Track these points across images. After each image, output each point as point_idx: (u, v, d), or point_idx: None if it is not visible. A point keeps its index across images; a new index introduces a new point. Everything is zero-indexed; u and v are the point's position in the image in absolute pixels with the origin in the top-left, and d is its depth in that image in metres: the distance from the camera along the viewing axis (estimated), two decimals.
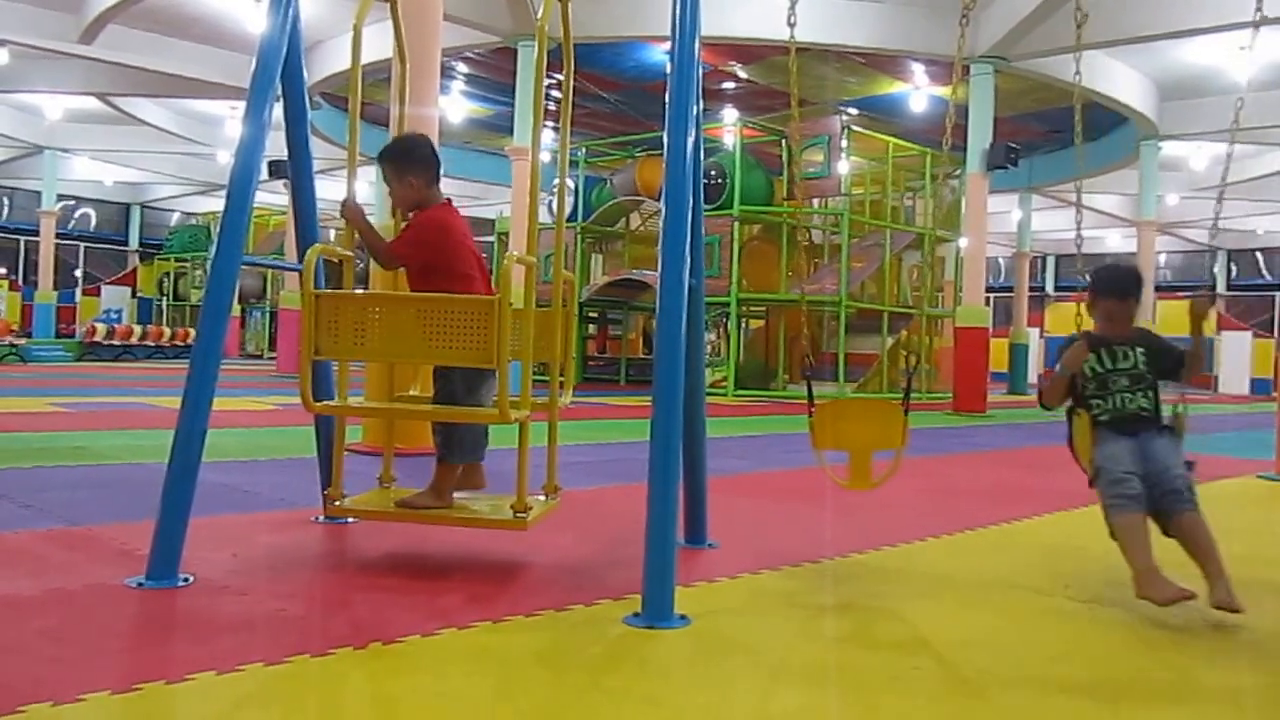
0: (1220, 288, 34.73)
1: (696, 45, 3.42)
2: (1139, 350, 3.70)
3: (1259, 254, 34.40)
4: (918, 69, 19.11)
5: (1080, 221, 4.61)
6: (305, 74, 4.02)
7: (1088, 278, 3.90)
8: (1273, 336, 30.22)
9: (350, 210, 3.72)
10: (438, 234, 3.68)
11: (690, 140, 3.33)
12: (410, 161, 3.73)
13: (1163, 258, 33.15)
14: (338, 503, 3.72)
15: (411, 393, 4.32)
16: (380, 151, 3.80)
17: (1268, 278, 33.55)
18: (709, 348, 21.96)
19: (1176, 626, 3.20)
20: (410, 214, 3.80)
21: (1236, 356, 30.85)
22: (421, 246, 3.67)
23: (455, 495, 3.74)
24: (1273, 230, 31.29)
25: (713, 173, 17.75)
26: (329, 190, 10.72)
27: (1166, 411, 3.72)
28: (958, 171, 18.38)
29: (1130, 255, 23.01)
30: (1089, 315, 3.82)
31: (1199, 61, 17.62)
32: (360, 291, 3.75)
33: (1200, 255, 35.27)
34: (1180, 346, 3.77)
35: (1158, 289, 24.37)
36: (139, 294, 34.80)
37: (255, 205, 3.76)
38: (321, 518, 4.31)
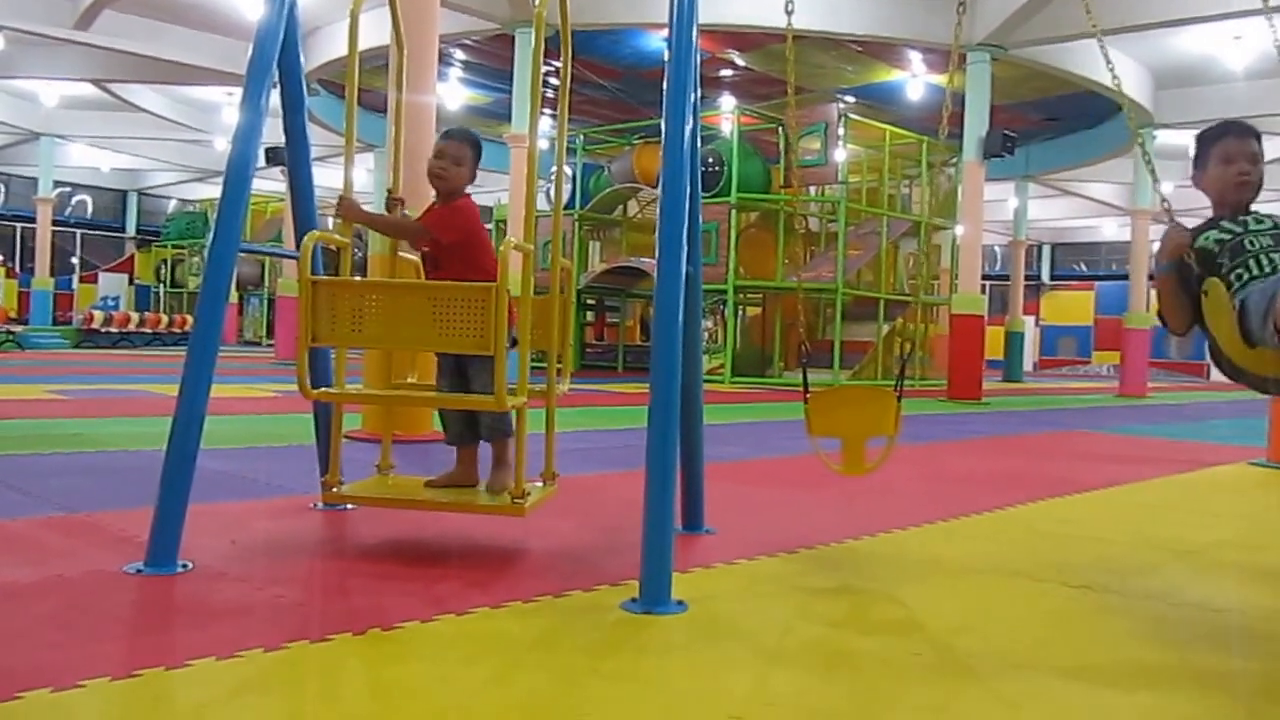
0: None
1: (694, 32, 3.41)
2: (1273, 218, 2.93)
3: None
4: (915, 57, 19.07)
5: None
6: (302, 60, 4.02)
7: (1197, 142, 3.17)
8: None
9: (347, 208, 3.74)
10: (475, 221, 3.83)
11: (688, 128, 3.33)
12: (476, 153, 3.88)
13: (1156, 245, 33.12)
14: (335, 489, 3.73)
15: (409, 381, 4.33)
16: (459, 131, 3.90)
17: None
18: (706, 335, 21.95)
19: (1168, 611, 3.21)
20: (446, 198, 3.85)
21: None
22: (458, 230, 3.76)
23: (444, 487, 3.79)
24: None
25: (710, 160, 17.73)
26: (327, 177, 10.72)
27: None
28: (954, 159, 18.37)
29: (1125, 244, 23.00)
30: (1243, 176, 3.04)
31: (1194, 50, 17.61)
32: (357, 278, 3.75)
33: None
34: None
35: (1152, 277, 24.34)
36: (136, 281, 34.73)
37: (253, 192, 3.76)
38: (320, 504, 4.32)
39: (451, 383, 3.77)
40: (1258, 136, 3.09)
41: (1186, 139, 19.17)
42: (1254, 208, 3.02)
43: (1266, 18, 4.39)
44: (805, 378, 4.09)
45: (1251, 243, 2.83)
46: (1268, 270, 2.75)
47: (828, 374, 16.29)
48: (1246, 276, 2.77)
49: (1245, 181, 3.00)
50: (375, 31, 9.11)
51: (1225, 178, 3.01)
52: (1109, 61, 3.99)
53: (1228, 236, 2.87)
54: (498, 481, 3.77)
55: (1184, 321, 2.99)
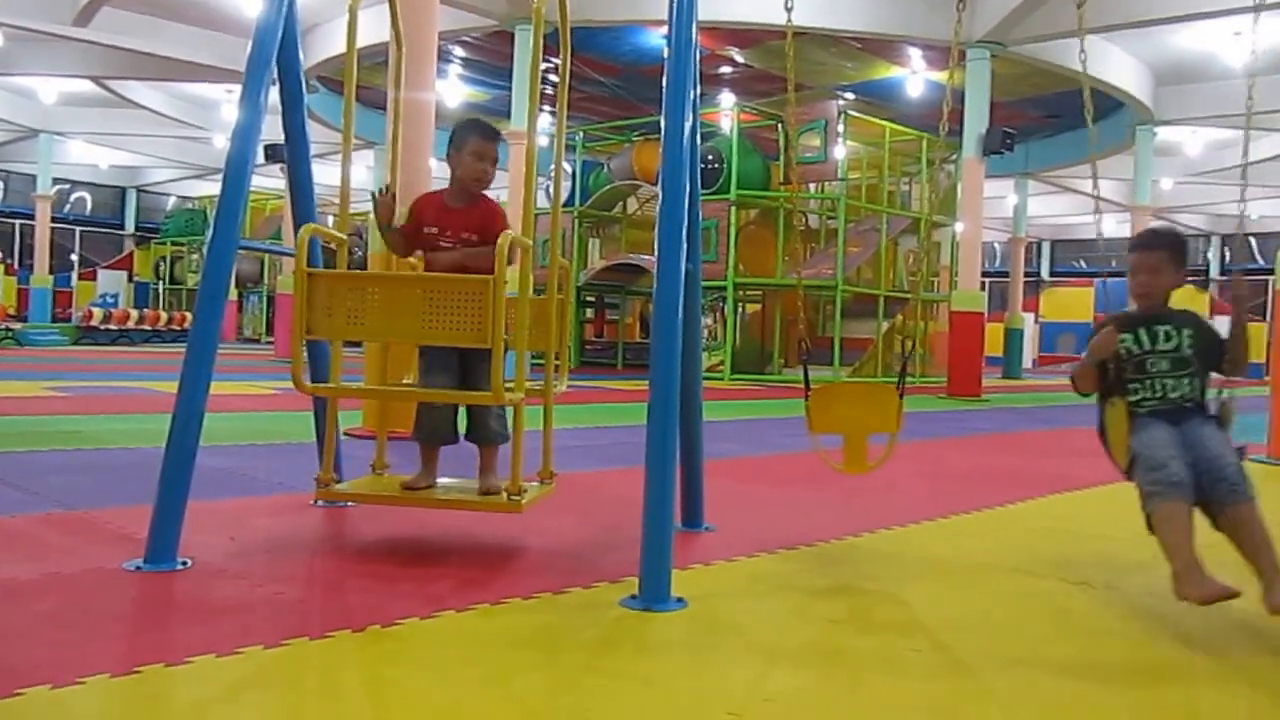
0: (1213, 273, 34.75)
1: (694, 29, 3.41)
2: (1185, 331, 3.31)
3: (1252, 239, 34.39)
4: (915, 54, 19.07)
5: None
6: (301, 57, 4.01)
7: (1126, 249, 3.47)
8: (1265, 321, 30.25)
9: (385, 207, 3.72)
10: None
11: (688, 125, 3.33)
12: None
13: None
14: (330, 486, 3.72)
15: (405, 382, 4.32)
16: (490, 129, 3.86)
17: (1261, 262, 33.52)
18: (706, 332, 21.95)
19: (1167, 609, 3.21)
20: (478, 198, 3.81)
21: None
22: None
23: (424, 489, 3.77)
24: (1267, 215, 31.29)
25: (710, 157, 17.72)
26: (326, 174, 10.69)
27: (1211, 395, 3.34)
28: (954, 156, 18.37)
29: (1125, 240, 22.95)
30: (1139, 287, 3.39)
31: (1194, 47, 17.60)
32: (351, 271, 3.73)
33: (1194, 240, 35.26)
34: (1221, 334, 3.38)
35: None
36: (135, 278, 34.71)
37: (252, 189, 3.76)
38: (319, 502, 4.32)
39: (449, 380, 3.72)
40: (1161, 245, 3.42)
41: (1186, 136, 19.10)
42: (1174, 312, 3.40)
43: (1254, 17, 4.42)
44: (806, 375, 4.09)
45: (1152, 365, 3.30)
46: (1159, 392, 3.27)
47: (828, 371, 16.30)
48: (1141, 394, 3.30)
49: (1140, 295, 3.40)
50: (374, 28, 9.10)
51: (1130, 286, 3.42)
52: (1082, 51, 4.15)
53: (1136, 350, 3.32)
54: (490, 484, 3.73)
55: (1093, 391, 3.46)
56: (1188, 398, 3.27)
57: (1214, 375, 3.37)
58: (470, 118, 4.01)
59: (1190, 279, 34.08)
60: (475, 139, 3.76)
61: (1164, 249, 3.38)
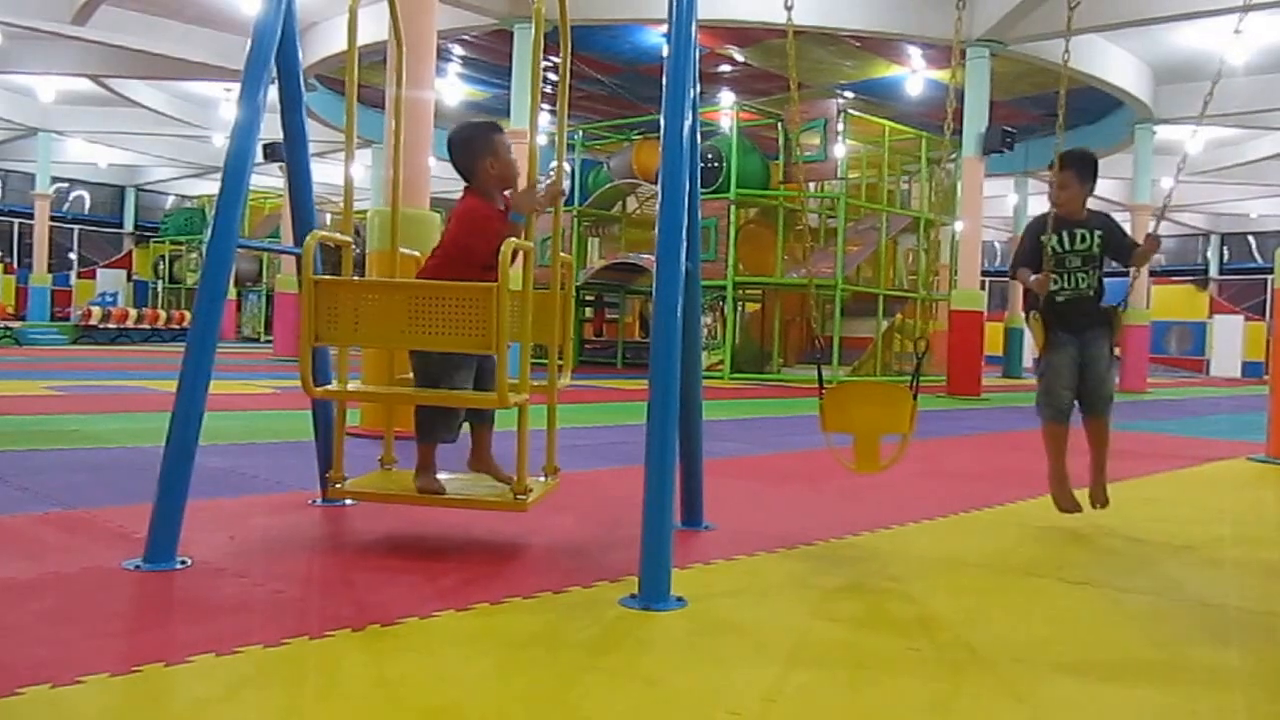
0: (1213, 271, 34.75)
1: (693, 28, 3.41)
2: (1096, 234, 4.35)
3: (1251, 238, 34.40)
4: (914, 52, 19.06)
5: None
6: (300, 56, 4.01)
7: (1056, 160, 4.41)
8: (1264, 320, 30.26)
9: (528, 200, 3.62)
10: None
11: (687, 124, 3.33)
12: None
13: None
14: (338, 485, 3.74)
15: (410, 376, 4.33)
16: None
17: (1260, 261, 33.56)
18: (705, 331, 21.96)
19: (1167, 606, 3.22)
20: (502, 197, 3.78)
21: (1229, 339, 30.91)
22: None
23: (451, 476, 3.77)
24: (1266, 214, 31.32)
25: (709, 156, 17.72)
26: (325, 173, 10.71)
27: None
28: (954, 155, 18.37)
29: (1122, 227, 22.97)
30: (1055, 200, 4.41)
31: (1194, 45, 17.60)
32: (359, 278, 3.74)
33: (1194, 239, 35.27)
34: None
35: (1151, 273, 24.42)
36: (134, 277, 34.69)
37: (251, 188, 3.75)
38: (319, 500, 4.32)
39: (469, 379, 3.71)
40: (1072, 165, 4.45)
41: (1186, 134, 19.14)
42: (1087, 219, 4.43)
43: (1240, 16, 4.61)
44: (820, 373, 4.09)
45: (1069, 261, 4.35)
46: (1072, 284, 4.37)
47: (827, 370, 16.30)
48: (1059, 285, 4.37)
49: (1056, 203, 4.42)
50: (373, 27, 9.10)
51: (1050, 198, 4.48)
52: (1066, 51, 4.75)
53: (1058, 250, 4.33)
54: (500, 471, 3.79)
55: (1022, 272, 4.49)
56: (1093, 287, 4.38)
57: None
58: (474, 121, 3.97)
59: (1190, 279, 34.24)
60: (499, 135, 3.78)
61: (1070, 167, 4.41)
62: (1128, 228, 22.32)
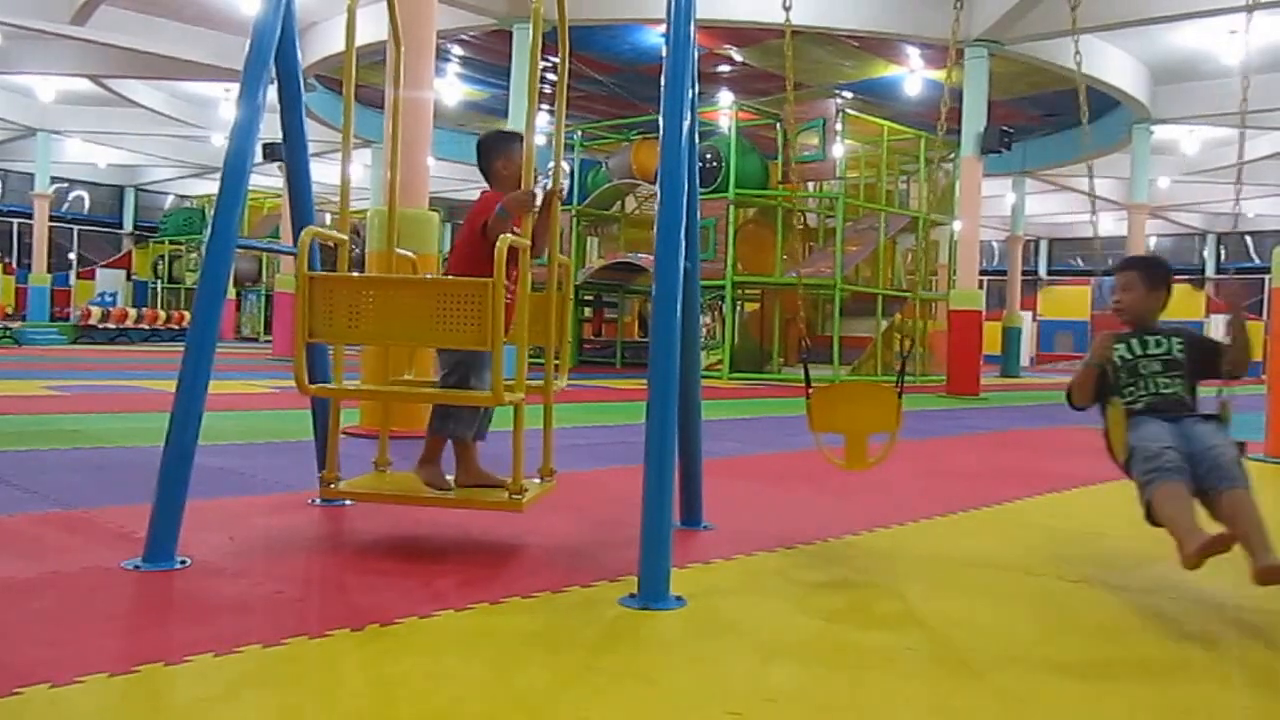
0: (1209, 271, 34.76)
1: (692, 28, 3.41)
2: (1175, 340, 3.55)
3: (1248, 237, 34.40)
4: (913, 52, 19.08)
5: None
6: (300, 56, 4.01)
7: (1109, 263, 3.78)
8: (1261, 319, 30.27)
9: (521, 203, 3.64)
10: None
11: (686, 123, 3.33)
12: None
13: (1153, 241, 33.20)
14: (333, 485, 3.74)
15: (406, 377, 4.33)
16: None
17: (1256, 261, 33.55)
18: (704, 330, 21.97)
19: (1166, 606, 3.22)
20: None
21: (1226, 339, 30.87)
22: None
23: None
24: (1263, 214, 31.33)
25: (708, 156, 17.72)
26: (324, 173, 10.69)
27: (1210, 394, 3.49)
28: (952, 155, 18.38)
29: (1122, 239, 23.01)
30: (1115, 304, 3.66)
31: (1191, 45, 17.61)
32: (353, 274, 3.74)
33: (1191, 239, 35.28)
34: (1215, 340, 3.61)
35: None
36: (134, 277, 34.72)
37: (250, 188, 3.76)
38: (318, 500, 4.32)
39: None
40: (1135, 267, 3.68)
41: (1183, 134, 19.12)
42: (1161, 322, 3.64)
43: (1247, 15, 4.52)
44: (807, 373, 4.10)
45: (1144, 367, 3.51)
46: (1152, 390, 3.46)
47: (827, 369, 16.31)
48: (1136, 394, 3.48)
49: (1118, 311, 3.67)
50: (372, 27, 9.10)
51: (1131, 306, 3.64)
52: (1077, 54, 4.30)
53: (1130, 357, 3.54)
54: (494, 477, 3.79)
55: (1087, 404, 3.64)
56: (1179, 396, 3.47)
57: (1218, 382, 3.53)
58: (499, 129, 4.08)
59: (1186, 279, 34.25)
60: (516, 142, 3.89)
61: (1133, 269, 3.66)
62: (1124, 227, 22.33)
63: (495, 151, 3.93)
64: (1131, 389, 3.49)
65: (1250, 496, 3.09)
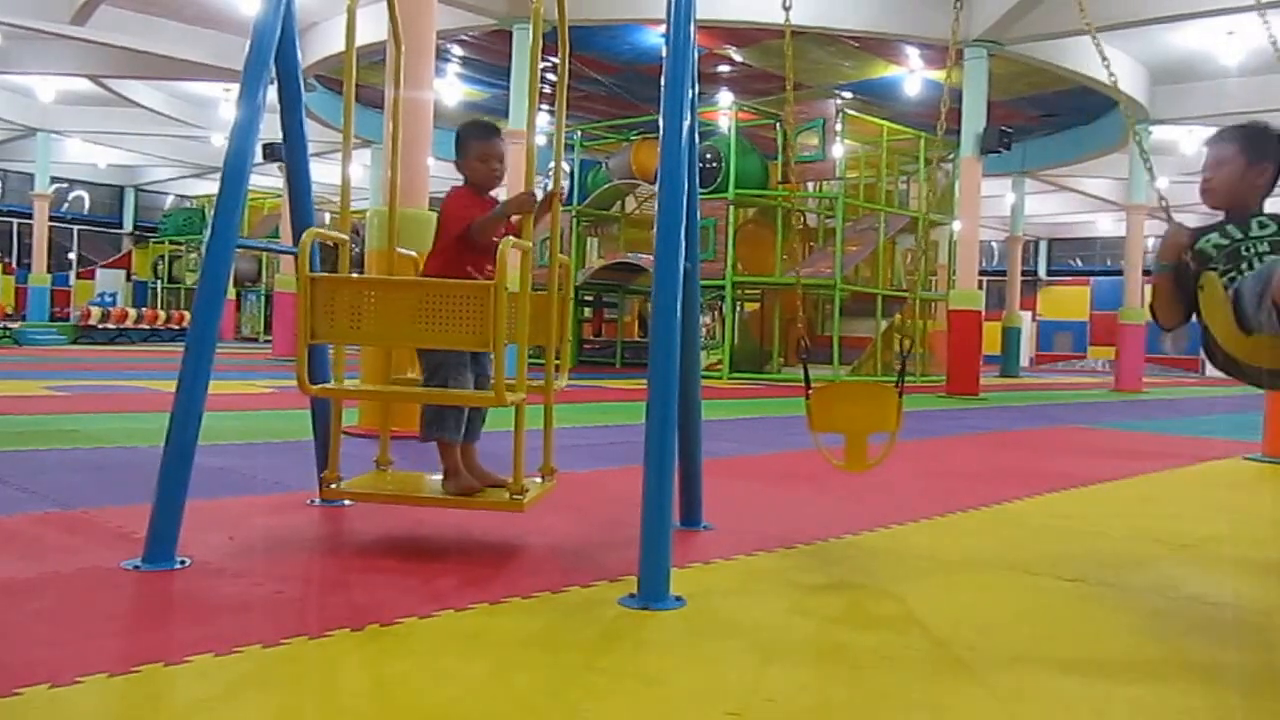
0: None
1: (692, 28, 3.42)
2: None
3: None
4: (912, 52, 19.07)
5: None
6: (300, 56, 4.01)
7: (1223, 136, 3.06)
8: None
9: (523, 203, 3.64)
10: None
11: (686, 124, 3.33)
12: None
13: (1151, 241, 33.22)
14: (334, 485, 3.75)
15: (408, 376, 4.33)
16: (494, 128, 3.96)
17: None
18: (704, 331, 21.97)
19: (1164, 605, 3.22)
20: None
21: None
22: None
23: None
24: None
25: (708, 156, 17.73)
26: (324, 173, 10.72)
27: None
28: (952, 155, 18.39)
29: (1121, 239, 23.03)
30: (1205, 183, 3.05)
31: (1189, 46, 17.62)
32: (355, 275, 3.75)
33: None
34: None
35: (1146, 272, 24.40)
36: (134, 277, 34.72)
37: (250, 188, 3.76)
38: (317, 500, 4.33)
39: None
40: (1230, 137, 3.03)
41: (1182, 134, 19.14)
42: (1267, 209, 3.00)
43: (1260, 14, 4.43)
44: (807, 373, 4.10)
45: (1248, 248, 2.87)
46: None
47: (827, 369, 16.32)
48: (1240, 279, 2.81)
49: (1205, 191, 3.07)
50: (372, 27, 9.10)
51: (1200, 189, 3.06)
52: (1104, 58, 4.11)
53: (1226, 242, 2.90)
54: (496, 476, 3.81)
55: (1176, 318, 3.04)
56: None
57: None
58: (473, 121, 4.00)
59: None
60: (476, 143, 3.81)
61: (1233, 141, 3.05)
62: (1123, 227, 22.33)
63: (459, 146, 3.84)
64: (1235, 274, 2.84)
65: None
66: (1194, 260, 2.93)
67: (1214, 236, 2.95)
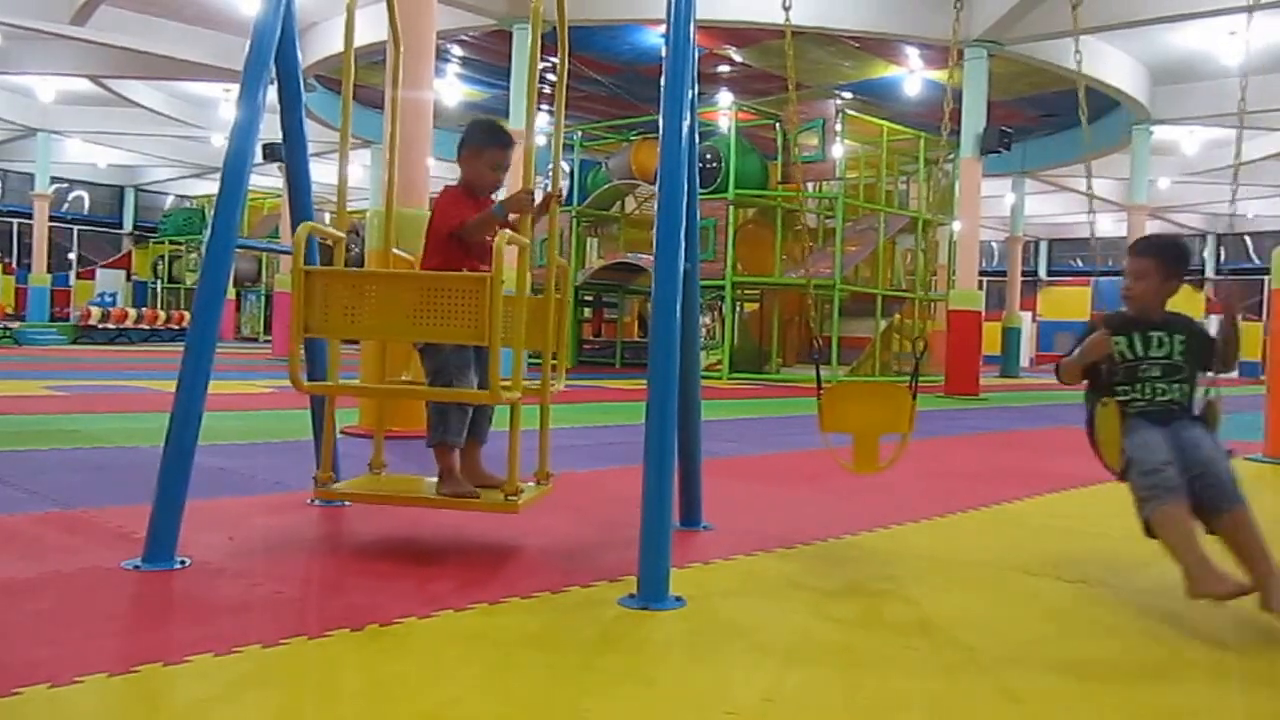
0: (1209, 272, 34.76)
1: (692, 29, 3.41)
2: (1177, 338, 3.39)
3: (1247, 238, 34.42)
4: (912, 53, 19.09)
5: None
6: (300, 56, 4.01)
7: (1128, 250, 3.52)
8: (1261, 320, 30.27)
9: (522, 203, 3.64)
10: None
11: (685, 124, 3.33)
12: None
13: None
14: (327, 486, 3.72)
15: (404, 378, 4.32)
16: (512, 139, 3.93)
17: (1256, 261, 33.56)
18: (704, 331, 21.96)
19: (1166, 607, 3.22)
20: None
21: None
22: None
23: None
24: (1262, 214, 31.34)
25: (708, 156, 17.73)
26: (324, 173, 10.71)
27: (1199, 395, 3.42)
28: (952, 155, 18.39)
29: (1122, 239, 23.04)
30: (1125, 290, 3.46)
31: (1190, 46, 17.61)
32: (350, 269, 3.73)
33: (1190, 240, 35.28)
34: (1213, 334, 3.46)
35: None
36: (134, 277, 34.72)
37: (250, 188, 3.76)
38: (317, 501, 4.32)
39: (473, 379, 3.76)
40: (1153, 254, 3.45)
41: (1183, 135, 19.10)
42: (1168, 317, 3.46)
43: (1247, 16, 4.50)
44: (819, 373, 4.09)
45: (1144, 371, 3.37)
46: (1149, 395, 3.35)
47: (826, 370, 16.31)
48: (1132, 396, 3.37)
49: (1127, 298, 3.47)
50: (372, 27, 9.10)
51: (1121, 289, 3.48)
52: (1077, 50, 4.22)
53: (1129, 356, 3.39)
54: (495, 477, 3.80)
55: (1073, 383, 3.51)
56: (1176, 401, 3.36)
57: (1205, 375, 3.44)
58: (488, 122, 3.96)
59: (1186, 279, 34.17)
60: (495, 150, 3.80)
61: (1151, 256, 3.43)
62: (1124, 228, 22.35)
63: (461, 145, 3.82)
64: (1127, 390, 3.37)
65: (1251, 515, 3.08)
66: (1106, 362, 3.41)
67: (1123, 344, 3.39)
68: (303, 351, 3.85)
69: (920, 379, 4.15)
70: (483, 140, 3.82)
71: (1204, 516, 3.14)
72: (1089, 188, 4.40)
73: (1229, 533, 3.09)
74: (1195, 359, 3.40)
